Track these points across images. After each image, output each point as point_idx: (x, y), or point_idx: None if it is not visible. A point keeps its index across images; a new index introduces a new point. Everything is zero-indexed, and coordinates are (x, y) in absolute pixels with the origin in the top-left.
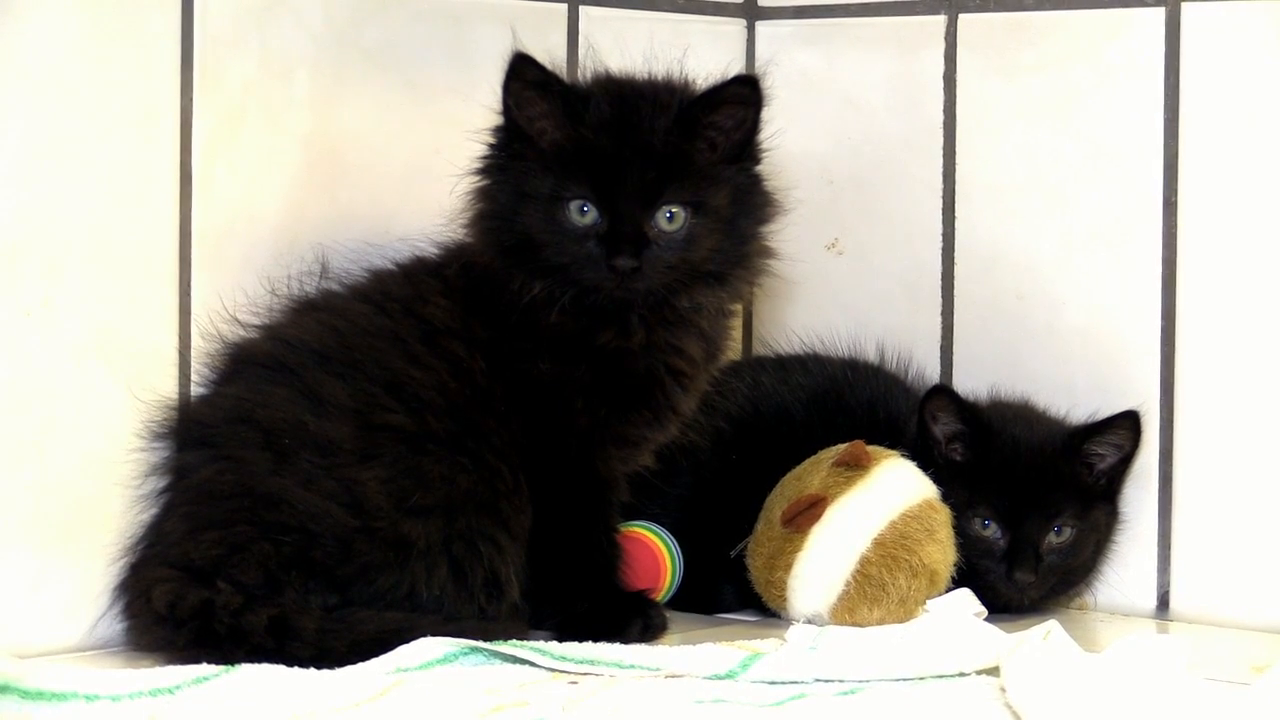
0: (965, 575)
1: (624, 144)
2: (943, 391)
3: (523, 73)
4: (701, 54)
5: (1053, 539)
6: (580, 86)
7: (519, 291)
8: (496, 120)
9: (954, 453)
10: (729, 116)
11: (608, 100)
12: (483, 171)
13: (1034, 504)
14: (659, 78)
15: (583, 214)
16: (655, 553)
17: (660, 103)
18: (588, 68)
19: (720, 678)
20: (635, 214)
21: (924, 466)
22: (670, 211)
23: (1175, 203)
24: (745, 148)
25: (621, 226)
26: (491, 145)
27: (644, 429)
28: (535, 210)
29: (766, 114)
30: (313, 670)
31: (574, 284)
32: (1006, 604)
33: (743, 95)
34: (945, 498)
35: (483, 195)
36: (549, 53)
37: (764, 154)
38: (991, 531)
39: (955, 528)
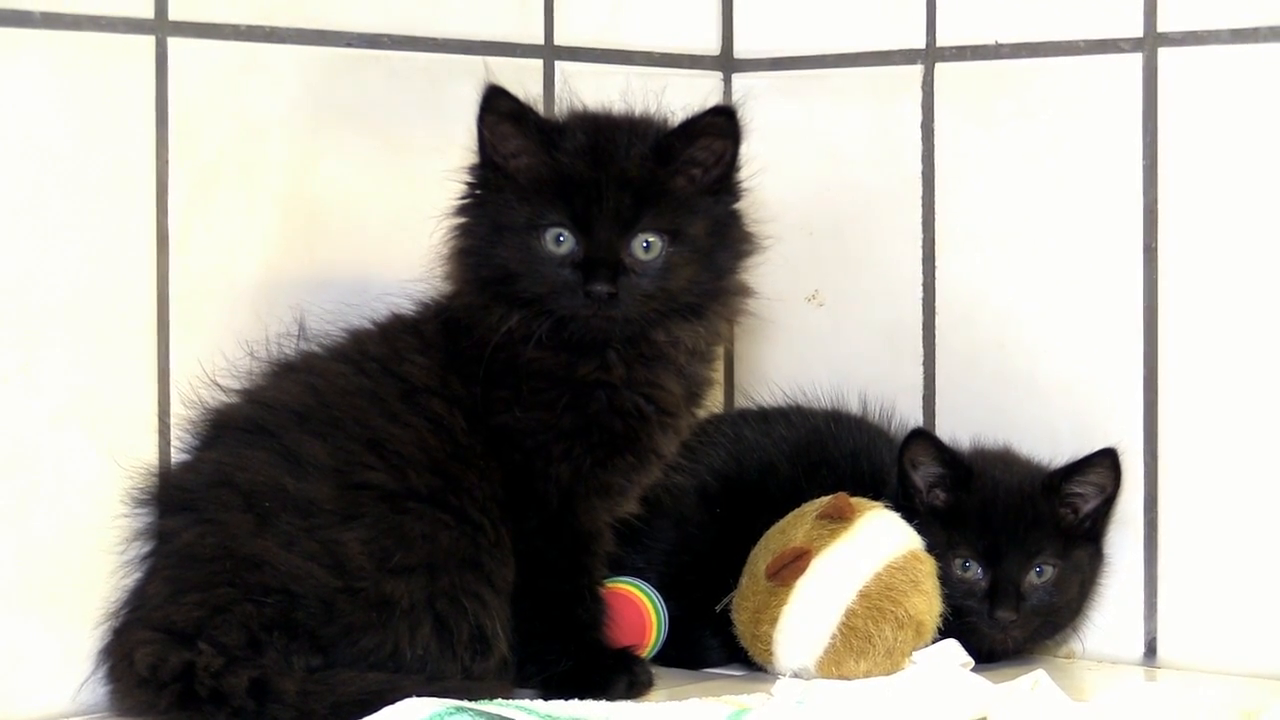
0: (951, 626)
1: (600, 171)
2: (921, 434)
3: (497, 105)
4: (678, 106)
5: (1034, 579)
6: (556, 119)
7: (496, 325)
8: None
9: (935, 499)
10: (707, 149)
11: (584, 130)
12: (460, 210)
13: (1013, 542)
14: (635, 112)
15: (559, 243)
16: (640, 608)
17: (637, 132)
18: (564, 109)
19: None
20: (612, 241)
21: (908, 517)
22: (647, 240)
23: (1155, 249)
24: (724, 182)
25: (598, 253)
26: (468, 183)
27: (627, 474)
28: (512, 241)
29: (745, 151)
30: None
31: (550, 314)
32: (992, 648)
33: (719, 125)
34: (928, 546)
35: (460, 232)
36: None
37: (744, 191)
38: (972, 573)
39: (939, 575)
